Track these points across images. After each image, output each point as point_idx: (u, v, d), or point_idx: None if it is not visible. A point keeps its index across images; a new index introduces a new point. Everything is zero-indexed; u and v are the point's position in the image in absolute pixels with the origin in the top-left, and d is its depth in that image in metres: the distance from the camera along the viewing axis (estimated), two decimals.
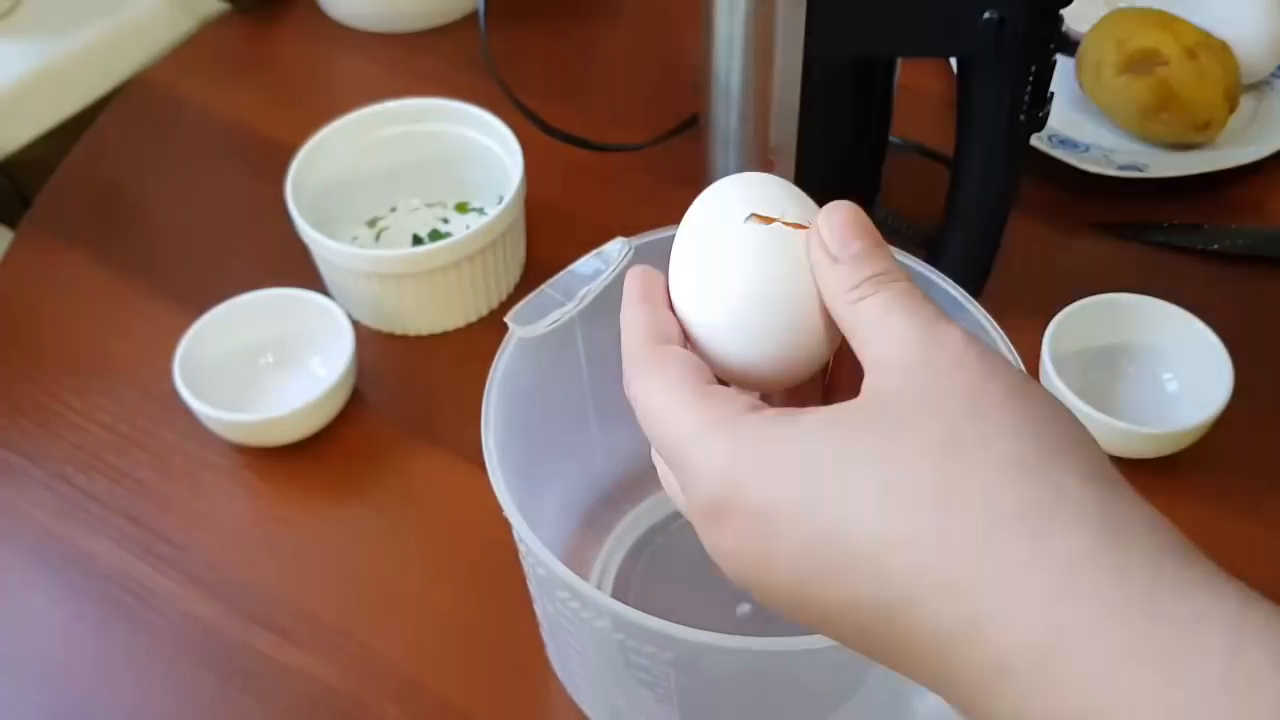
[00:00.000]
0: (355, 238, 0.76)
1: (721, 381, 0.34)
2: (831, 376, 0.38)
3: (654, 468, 0.39)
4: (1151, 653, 0.25)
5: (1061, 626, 0.25)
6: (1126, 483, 0.28)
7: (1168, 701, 0.24)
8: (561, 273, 0.48)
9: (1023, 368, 0.46)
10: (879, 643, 0.29)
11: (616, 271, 0.48)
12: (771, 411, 0.31)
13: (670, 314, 0.35)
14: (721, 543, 0.31)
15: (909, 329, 0.31)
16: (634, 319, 0.35)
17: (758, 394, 0.35)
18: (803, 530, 0.29)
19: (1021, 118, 0.60)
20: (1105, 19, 0.80)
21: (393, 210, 0.77)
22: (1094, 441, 0.29)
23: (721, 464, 0.30)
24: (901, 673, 0.29)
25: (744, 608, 0.56)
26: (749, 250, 0.34)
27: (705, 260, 0.35)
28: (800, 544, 0.29)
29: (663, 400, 0.32)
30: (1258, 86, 0.81)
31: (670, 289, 0.36)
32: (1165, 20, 0.77)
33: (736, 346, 0.34)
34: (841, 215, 0.33)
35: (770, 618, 0.55)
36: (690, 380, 0.32)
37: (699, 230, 0.36)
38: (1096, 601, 0.25)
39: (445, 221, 0.76)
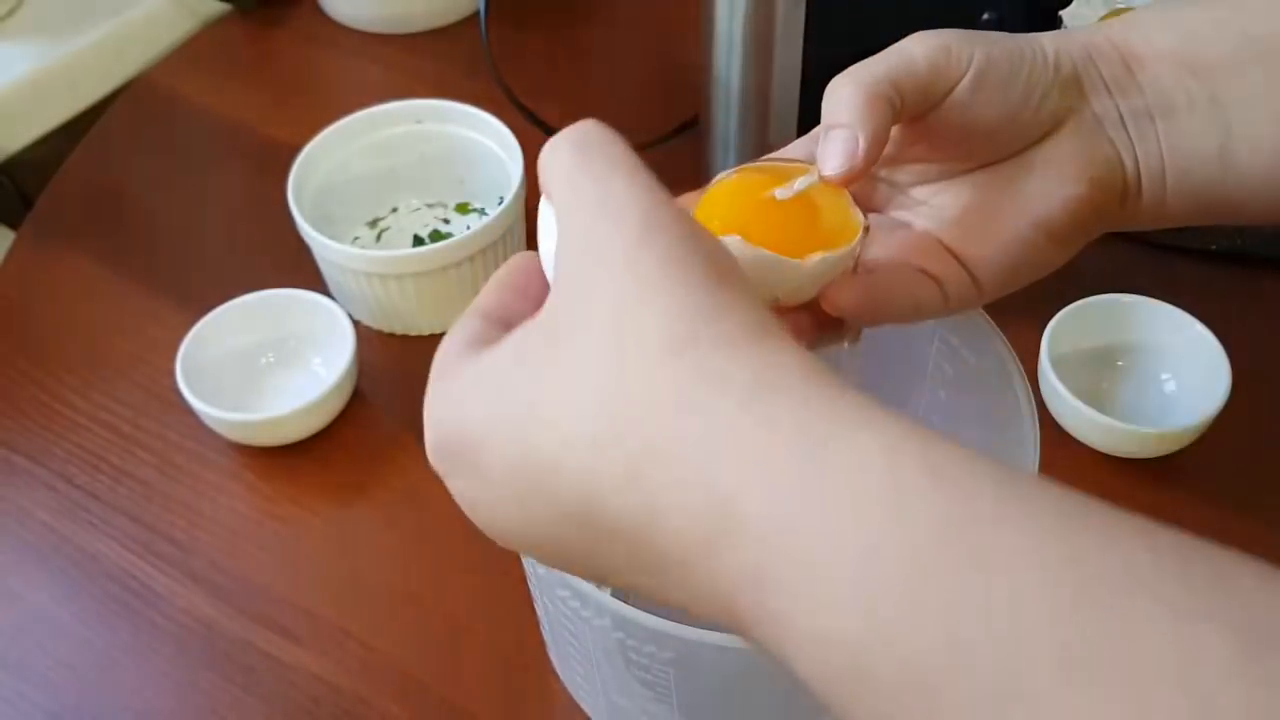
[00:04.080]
0: (356, 238, 0.76)
1: None
2: None
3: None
4: (816, 492, 0.25)
5: (727, 493, 0.26)
6: (770, 331, 0.28)
7: (835, 529, 0.25)
8: None
9: (1022, 373, 0.46)
10: (598, 557, 0.29)
11: None
12: (480, 349, 0.32)
13: (514, 296, 0.35)
14: (455, 489, 0.32)
15: (581, 191, 0.31)
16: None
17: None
18: (505, 452, 0.29)
19: None
20: (1105, 19, 0.80)
21: (393, 211, 0.77)
22: (739, 289, 0.29)
23: (433, 411, 0.32)
24: (632, 587, 0.30)
25: None
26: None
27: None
28: (505, 468, 0.29)
29: (438, 360, 0.33)
30: None
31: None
32: None
33: None
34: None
35: None
36: (472, 339, 0.33)
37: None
38: (753, 454, 0.26)
39: (446, 222, 0.76)
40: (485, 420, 0.30)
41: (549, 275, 0.34)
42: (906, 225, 0.42)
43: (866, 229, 0.38)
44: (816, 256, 0.37)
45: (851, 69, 0.38)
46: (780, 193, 0.37)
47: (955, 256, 0.41)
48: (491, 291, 0.35)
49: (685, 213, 0.30)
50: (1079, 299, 0.65)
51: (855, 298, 0.38)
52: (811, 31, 0.62)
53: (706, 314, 0.28)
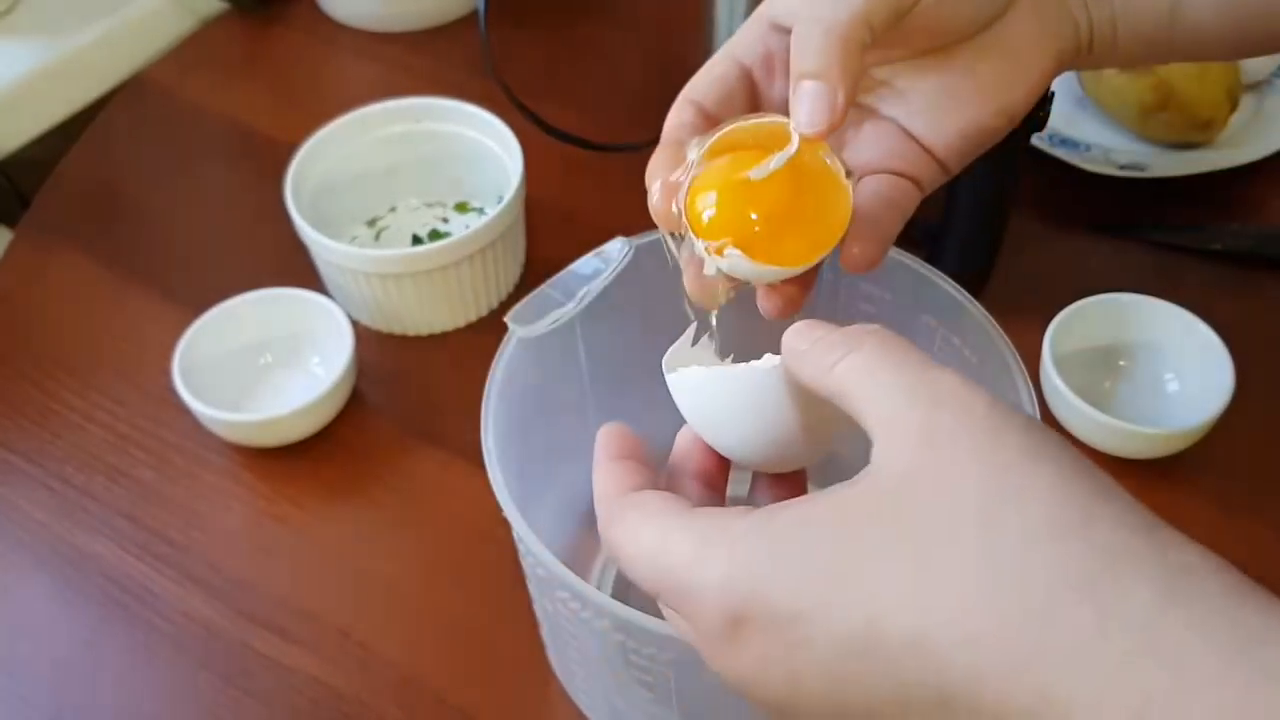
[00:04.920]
0: (355, 237, 0.76)
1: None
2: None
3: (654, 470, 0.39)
4: (1260, 709, 0.23)
5: (1147, 693, 0.24)
6: (1161, 521, 0.27)
7: None
8: (561, 273, 0.48)
9: (1024, 372, 0.46)
10: None
11: (616, 271, 0.48)
12: (767, 510, 0.30)
13: (638, 465, 0.35)
14: (741, 662, 0.29)
15: (899, 381, 0.30)
16: (600, 477, 0.35)
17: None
18: (834, 629, 0.27)
19: None
20: None
21: (392, 210, 0.77)
22: (1114, 483, 0.28)
23: (725, 573, 0.29)
24: None
25: None
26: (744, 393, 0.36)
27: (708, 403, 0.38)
28: (832, 645, 0.27)
29: (649, 535, 0.31)
30: (1258, 86, 0.81)
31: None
32: None
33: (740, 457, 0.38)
34: (798, 324, 0.33)
35: None
36: (671, 506, 0.32)
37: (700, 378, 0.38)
38: (1182, 661, 0.24)
39: (445, 221, 0.76)
40: (807, 590, 0.28)
41: (707, 439, 0.37)
42: (872, 111, 0.42)
43: (852, 194, 0.38)
44: (818, 257, 0.37)
45: (820, 8, 0.37)
46: (755, 173, 0.36)
47: (921, 146, 0.41)
48: (629, 465, 0.35)
49: (1020, 409, 0.29)
50: (1081, 299, 0.65)
51: (863, 255, 0.38)
52: None
53: (1097, 497, 0.27)
